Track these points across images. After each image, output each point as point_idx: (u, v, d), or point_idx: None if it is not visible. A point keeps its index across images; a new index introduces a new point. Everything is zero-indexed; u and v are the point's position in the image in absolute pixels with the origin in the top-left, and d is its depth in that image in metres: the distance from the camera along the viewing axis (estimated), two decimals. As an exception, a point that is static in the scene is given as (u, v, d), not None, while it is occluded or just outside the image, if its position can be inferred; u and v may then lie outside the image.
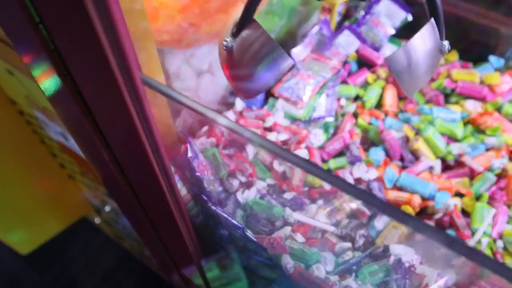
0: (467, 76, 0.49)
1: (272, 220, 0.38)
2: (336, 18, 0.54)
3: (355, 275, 0.34)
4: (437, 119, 0.46)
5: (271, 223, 0.38)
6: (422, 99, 0.49)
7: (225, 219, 0.35)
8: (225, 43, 0.26)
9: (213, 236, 0.39)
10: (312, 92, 0.45)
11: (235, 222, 0.34)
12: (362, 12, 0.54)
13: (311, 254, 0.34)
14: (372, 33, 0.52)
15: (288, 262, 0.34)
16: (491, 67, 0.50)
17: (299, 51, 0.49)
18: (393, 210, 0.25)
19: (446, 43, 0.26)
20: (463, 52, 0.52)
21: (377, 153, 0.44)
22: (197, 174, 0.36)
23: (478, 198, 0.41)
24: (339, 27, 0.54)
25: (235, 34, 0.26)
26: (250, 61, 0.25)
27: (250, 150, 0.42)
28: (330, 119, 0.45)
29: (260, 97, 0.47)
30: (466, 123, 0.47)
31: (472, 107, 0.47)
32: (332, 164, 0.44)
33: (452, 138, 0.45)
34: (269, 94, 0.48)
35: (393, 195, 0.42)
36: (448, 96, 0.49)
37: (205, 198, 0.36)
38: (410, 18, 0.51)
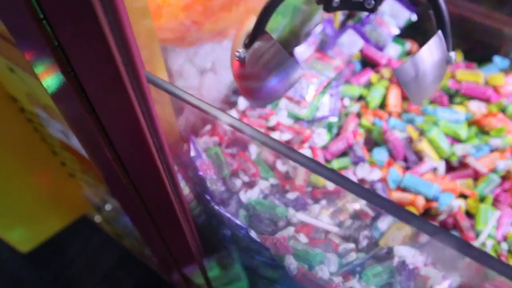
0: (471, 76, 0.48)
1: (275, 220, 0.37)
2: (339, 17, 0.54)
3: (359, 277, 0.34)
4: (441, 120, 0.45)
5: (274, 223, 0.37)
6: (426, 99, 0.49)
7: (228, 219, 0.34)
8: (237, 54, 0.27)
9: (215, 236, 0.39)
10: (315, 92, 0.45)
11: (238, 222, 0.34)
12: (366, 12, 0.53)
13: (315, 255, 0.34)
14: (376, 32, 0.51)
15: (291, 262, 0.34)
16: (496, 67, 0.50)
17: (303, 50, 0.49)
18: (402, 211, 0.24)
19: (452, 54, 0.27)
20: (468, 52, 0.51)
21: (380, 154, 0.44)
22: (200, 173, 0.36)
23: (482, 199, 0.41)
24: (343, 26, 0.54)
25: (247, 45, 0.27)
26: (262, 71, 0.26)
27: (253, 149, 0.41)
28: (334, 119, 0.45)
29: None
30: (470, 124, 0.46)
31: (476, 108, 0.47)
32: (336, 164, 0.43)
33: (456, 139, 0.45)
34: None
35: (396, 196, 0.41)
36: (452, 96, 0.49)
37: (208, 198, 0.35)
38: (414, 18, 0.51)
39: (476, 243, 0.37)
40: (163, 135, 0.22)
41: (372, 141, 0.46)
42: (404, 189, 0.42)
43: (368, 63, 0.52)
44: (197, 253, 0.39)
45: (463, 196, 0.42)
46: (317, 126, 0.45)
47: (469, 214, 0.41)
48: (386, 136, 0.44)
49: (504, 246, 0.37)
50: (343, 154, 0.45)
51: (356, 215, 0.39)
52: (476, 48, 0.51)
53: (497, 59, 0.50)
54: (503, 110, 0.46)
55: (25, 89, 0.53)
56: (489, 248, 0.37)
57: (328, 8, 0.26)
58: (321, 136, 0.43)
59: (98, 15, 0.17)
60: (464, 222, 0.39)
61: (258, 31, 0.26)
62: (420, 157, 0.44)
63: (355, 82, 0.49)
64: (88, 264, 0.83)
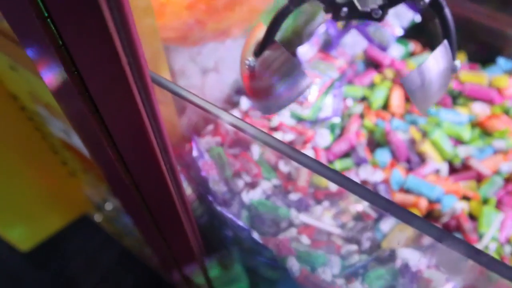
0: (475, 78, 0.48)
1: (277, 221, 0.37)
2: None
3: (362, 279, 0.33)
4: (444, 121, 0.45)
5: (276, 224, 0.37)
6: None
7: (231, 221, 0.34)
8: (247, 62, 0.28)
9: (217, 237, 0.39)
10: (318, 92, 0.45)
11: (241, 224, 0.34)
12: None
13: (317, 257, 0.34)
14: (379, 33, 0.51)
15: (294, 264, 0.33)
16: (500, 69, 0.49)
17: (306, 50, 0.49)
18: (406, 213, 0.24)
19: (457, 63, 0.27)
20: (471, 53, 0.51)
21: (383, 155, 0.44)
22: (203, 174, 0.36)
23: (485, 202, 0.41)
24: (346, 27, 0.53)
25: (257, 54, 0.28)
26: (271, 80, 0.27)
27: (256, 149, 0.41)
28: (337, 120, 0.45)
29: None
30: (473, 125, 0.46)
31: (480, 109, 0.47)
32: (338, 165, 0.43)
33: (459, 141, 0.45)
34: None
35: (399, 197, 0.41)
36: (455, 98, 0.48)
37: (210, 198, 0.35)
38: (418, 18, 0.51)
39: (480, 246, 0.37)
40: (167, 136, 0.22)
41: (375, 142, 0.46)
42: (406, 191, 0.42)
43: (371, 63, 0.51)
44: (198, 253, 0.38)
45: (466, 198, 0.41)
46: (320, 127, 0.44)
47: (472, 217, 0.40)
48: (389, 137, 0.44)
49: (508, 249, 0.37)
50: (346, 155, 0.45)
51: (359, 217, 0.39)
52: (480, 49, 0.51)
53: (501, 60, 0.50)
54: (506, 112, 0.46)
55: (26, 88, 0.53)
56: (492, 251, 0.37)
57: (336, 17, 0.27)
58: (324, 137, 0.43)
59: (104, 14, 0.16)
60: (467, 225, 0.39)
61: (268, 40, 0.27)
62: (422, 159, 0.44)
63: (358, 82, 0.49)
64: (87, 263, 0.83)
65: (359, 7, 0.26)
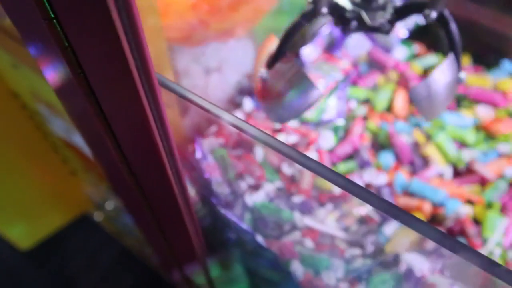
0: (479, 81, 0.48)
1: (280, 224, 0.37)
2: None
3: (366, 283, 0.33)
4: (448, 124, 0.45)
5: (279, 227, 0.37)
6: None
7: (234, 224, 0.34)
8: (260, 74, 0.29)
9: (219, 238, 0.39)
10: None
11: (244, 227, 0.34)
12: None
13: (321, 261, 0.33)
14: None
15: (297, 268, 0.33)
16: (504, 72, 0.49)
17: (310, 51, 0.48)
18: (412, 218, 0.24)
19: (463, 74, 0.29)
20: (476, 56, 0.51)
21: (386, 157, 0.44)
22: (206, 176, 0.35)
23: (489, 206, 0.41)
24: (350, 28, 0.53)
25: (269, 66, 0.29)
26: (282, 91, 0.28)
27: (259, 151, 0.41)
28: (341, 122, 0.45)
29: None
30: (478, 129, 0.46)
31: (484, 112, 0.46)
32: (342, 167, 0.43)
33: (463, 144, 0.45)
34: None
35: (403, 201, 0.41)
36: (459, 100, 0.48)
37: (213, 201, 0.35)
38: (422, 21, 0.51)
39: (484, 251, 0.37)
40: (173, 139, 0.22)
41: (378, 145, 0.46)
42: (410, 194, 0.41)
43: (375, 65, 0.51)
44: (201, 254, 0.38)
45: (470, 202, 0.41)
46: (324, 129, 0.44)
47: (476, 221, 0.40)
48: (393, 140, 0.44)
49: (512, 254, 0.37)
50: (349, 157, 0.44)
51: (363, 220, 0.38)
52: (485, 52, 0.51)
53: (505, 63, 0.50)
54: (511, 116, 0.46)
55: (28, 86, 0.52)
56: (497, 257, 0.36)
57: (346, 30, 0.28)
58: (327, 139, 0.43)
59: (112, 15, 0.16)
60: (471, 229, 0.39)
61: (280, 53, 0.28)
62: (426, 162, 0.44)
63: (362, 84, 0.49)
64: (87, 262, 0.83)
65: (369, 22, 0.27)
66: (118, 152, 0.26)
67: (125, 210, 0.61)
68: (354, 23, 0.27)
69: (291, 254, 0.33)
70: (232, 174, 0.38)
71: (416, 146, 0.44)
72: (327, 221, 0.38)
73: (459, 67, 0.28)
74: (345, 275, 0.34)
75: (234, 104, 0.47)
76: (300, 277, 0.33)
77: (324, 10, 0.27)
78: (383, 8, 0.27)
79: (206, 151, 0.37)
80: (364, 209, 0.39)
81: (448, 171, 0.43)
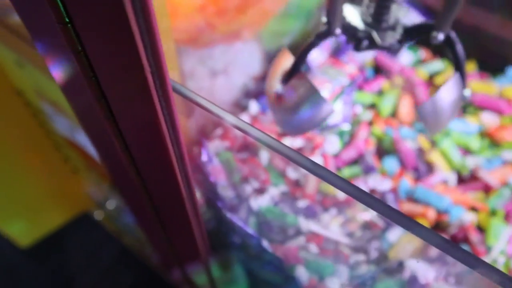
0: (484, 87, 0.48)
1: (285, 228, 0.37)
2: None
3: (370, 290, 0.33)
4: (453, 131, 0.45)
5: (284, 232, 0.37)
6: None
7: (239, 228, 0.34)
8: (275, 90, 0.31)
9: (223, 241, 0.39)
10: (328, 98, 0.45)
11: (250, 232, 0.33)
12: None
13: (326, 266, 0.33)
14: (389, 40, 0.51)
15: (302, 273, 0.33)
16: (510, 79, 0.49)
17: (316, 55, 0.48)
18: (418, 226, 0.24)
19: (468, 91, 0.30)
20: (482, 62, 0.51)
21: (391, 163, 0.44)
22: (212, 179, 0.35)
23: (493, 214, 0.41)
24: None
25: (284, 82, 0.31)
26: (296, 106, 0.30)
27: (264, 155, 0.41)
28: (346, 127, 0.45)
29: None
30: (482, 135, 0.46)
31: (489, 119, 0.46)
32: (346, 172, 0.43)
33: (467, 151, 0.45)
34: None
35: (407, 207, 0.41)
36: (464, 107, 0.48)
37: (219, 204, 0.35)
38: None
39: (488, 259, 0.37)
40: (184, 145, 0.22)
41: (383, 150, 0.46)
42: (414, 200, 0.41)
43: (380, 70, 0.51)
44: (205, 256, 0.38)
45: (474, 209, 0.41)
46: (329, 133, 0.44)
47: (480, 228, 0.40)
48: (398, 146, 0.44)
49: (516, 262, 0.37)
50: (354, 162, 0.44)
51: (367, 226, 0.38)
52: (491, 59, 0.51)
53: (511, 70, 0.50)
54: (516, 123, 0.46)
55: (32, 84, 0.52)
56: (500, 265, 0.36)
57: (357, 48, 0.29)
58: (333, 144, 0.43)
59: (130, 21, 0.16)
60: (475, 237, 0.39)
61: (295, 71, 0.30)
62: (430, 168, 0.44)
63: (367, 89, 0.49)
64: (87, 261, 0.83)
65: (379, 42, 0.28)
66: (126, 155, 0.26)
67: (128, 211, 0.60)
68: (365, 42, 0.29)
69: (296, 259, 0.33)
70: (237, 177, 0.38)
71: (420, 152, 0.44)
72: (331, 226, 0.38)
73: (464, 84, 0.30)
74: (350, 281, 0.34)
75: (239, 106, 0.47)
76: (305, 283, 0.33)
77: (338, 31, 0.28)
78: (393, 28, 0.29)
79: (212, 154, 0.37)
80: (368, 214, 0.39)
81: (452, 178, 0.43)
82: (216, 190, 0.36)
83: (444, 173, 0.43)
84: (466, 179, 0.44)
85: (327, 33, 0.29)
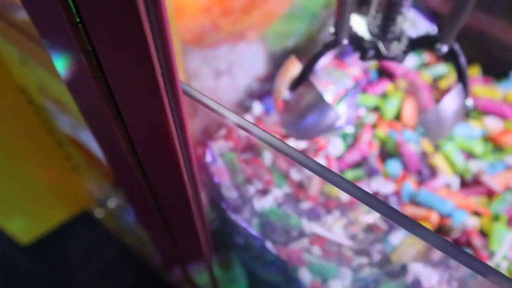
0: (488, 92, 0.48)
1: (288, 230, 0.37)
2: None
3: (373, 293, 0.33)
4: (456, 135, 0.45)
5: (287, 233, 0.37)
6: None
7: (243, 229, 0.34)
8: (283, 96, 0.32)
9: (226, 242, 0.39)
10: (332, 100, 0.45)
11: (254, 233, 0.33)
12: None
13: (329, 269, 0.33)
14: (394, 42, 0.51)
15: (305, 276, 0.33)
16: (514, 84, 0.49)
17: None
18: (423, 229, 0.24)
19: (470, 102, 0.31)
20: (486, 67, 0.51)
21: (394, 166, 0.44)
22: (216, 179, 0.35)
23: (496, 218, 0.41)
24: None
25: (292, 89, 0.32)
26: (303, 113, 0.31)
27: (268, 156, 0.41)
28: (350, 129, 0.45)
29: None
30: (486, 140, 0.46)
31: (493, 124, 0.46)
32: (349, 175, 0.43)
33: (471, 155, 0.45)
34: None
35: (410, 210, 0.41)
36: (468, 111, 0.48)
37: (223, 206, 0.35)
38: (434, 30, 0.51)
39: (490, 264, 0.37)
40: (192, 147, 0.22)
41: (386, 153, 0.46)
42: (417, 204, 0.41)
43: (384, 73, 0.51)
44: (208, 257, 0.38)
45: (477, 214, 0.41)
46: (333, 136, 0.44)
47: (483, 233, 0.40)
48: (401, 149, 0.44)
49: (518, 267, 0.37)
50: (357, 165, 0.44)
51: (369, 228, 0.38)
52: (495, 63, 0.51)
53: (515, 75, 0.50)
54: (519, 128, 0.46)
55: (35, 81, 0.52)
56: (503, 270, 0.36)
57: (363, 57, 0.31)
58: (336, 146, 0.43)
59: (143, 22, 0.16)
60: (478, 241, 0.39)
61: (303, 78, 0.31)
62: (433, 172, 0.44)
63: (371, 91, 0.49)
64: (86, 258, 0.83)
65: (385, 52, 0.29)
66: (132, 156, 0.26)
67: (131, 210, 0.60)
68: (371, 52, 0.30)
69: (299, 261, 0.33)
70: (241, 178, 0.38)
71: (424, 155, 0.44)
72: (334, 228, 0.38)
73: (466, 95, 0.31)
74: (353, 284, 0.34)
75: (243, 107, 0.47)
76: (308, 285, 0.33)
77: (345, 41, 0.29)
78: (398, 39, 0.30)
79: (216, 155, 0.37)
80: (371, 217, 0.39)
81: (455, 182, 0.43)
82: (220, 190, 0.36)
83: (447, 177, 0.43)
84: (469, 183, 0.44)
85: (334, 43, 0.30)
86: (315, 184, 0.40)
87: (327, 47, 0.30)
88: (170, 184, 0.25)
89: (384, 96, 0.49)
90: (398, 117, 0.48)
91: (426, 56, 0.53)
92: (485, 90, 0.48)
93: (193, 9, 0.40)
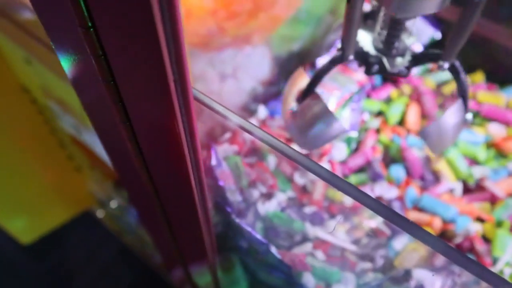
0: (492, 98, 0.48)
1: (292, 234, 0.37)
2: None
3: (377, 299, 0.33)
4: (460, 141, 0.45)
5: (291, 237, 0.37)
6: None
7: (248, 233, 0.34)
8: (291, 107, 0.33)
9: (230, 245, 0.39)
10: (336, 105, 0.45)
11: (258, 237, 0.34)
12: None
13: (332, 274, 0.33)
14: (398, 47, 0.51)
15: (309, 280, 0.33)
16: (518, 90, 0.49)
17: (325, 61, 0.48)
18: (427, 234, 0.24)
19: (469, 116, 0.32)
20: (490, 73, 0.51)
21: (397, 171, 0.44)
22: (220, 183, 0.35)
23: (499, 224, 0.41)
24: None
25: (299, 101, 0.33)
26: (310, 123, 0.32)
27: (272, 159, 0.41)
28: (354, 134, 0.45)
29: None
30: (489, 146, 0.46)
31: (496, 130, 0.46)
32: (353, 180, 0.43)
33: (474, 161, 0.45)
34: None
35: (413, 216, 0.41)
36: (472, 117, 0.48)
37: (228, 209, 0.35)
38: (438, 36, 0.51)
39: (494, 270, 0.37)
40: (200, 153, 0.22)
41: (389, 158, 0.46)
42: (420, 209, 0.42)
43: (388, 78, 0.51)
44: (211, 259, 0.38)
45: (480, 219, 0.41)
46: (337, 140, 0.44)
47: (486, 239, 0.40)
48: (405, 154, 0.44)
49: (521, 274, 0.37)
50: (361, 169, 0.44)
51: (373, 233, 0.38)
52: (499, 70, 0.51)
53: (519, 82, 0.50)
54: (523, 135, 0.46)
55: (39, 82, 0.52)
56: (506, 277, 0.36)
57: (368, 72, 0.31)
58: (340, 151, 0.43)
59: (157, 26, 0.16)
60: (481, 247, 0.39)
61: (309, 91, 0.32)
62: (437, 177, 0.44)
63: (375, 96, 0.49)
64: (87, 258, 0.83)
65: (389, 68, 0.30)
66: (139, 159, 0.26)
67: (133, 211, 0.60)
68: (375, 67, 0.30)
69: (303, 266, 0.33)
70: (245, 181, 0.38)
71: (427, 161, 0.44)
72: (337, 233, 0.38)
73: (466, 109, 0.32)
74: (356, 289, 0.34)
75: (248, 111, 0.47)
76: (311, 290, 0.33)
77: (351, 57, 0.30)
78: (402, 55, 0.30)
79: (220, 158, 0.37)
80: (374, 222, 0.39)
81: (459, 187, 0.43)
82: (224, 194, 0.36)
83: (450, 182, 0.43)
84: (472, 189, 0.44)
85: (341, 59, 0.31)
86: (319, 188, 0.40)
87: (334, 62, 0.31)
88: (176, 188, 0.25)
89: (388, 101, 0.49)
90: (402, 122, 0.48)
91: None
92: (488, 97, 0.48)
93: (199, 12, 0.40)
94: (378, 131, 0.47)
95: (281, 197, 0.39)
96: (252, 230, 0.34)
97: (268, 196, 0.39)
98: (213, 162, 0.36)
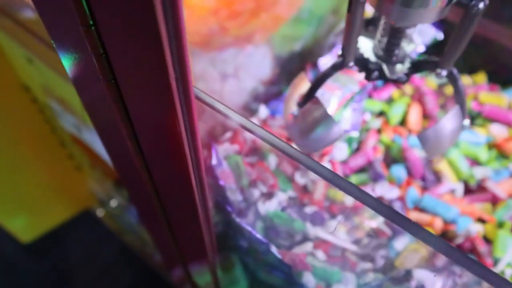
0: (494, 99, 0.48)
1: (292, 234, 0.37)
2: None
3: (377, 299, 0.33)
4: (461, 141, 0.45)
5: (291, 237, 0.37)
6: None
7: (249, 233, 0.34)
8: (293, 111, 0.34)
9: (230, 245, 0.39)
10: (338, 105, 0.45)
11: (259, 237, 0.33)
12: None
13: (333, 274, 0.33)
14: (400, 47, 0.51)
15: (309, 280, 0.33)
16: (520, 91, 0.49)
17: (327, 62, 0.48)
18: (429, 234, 0.24)
19: (467, 122, 0.33)
20: (492, 74, 0.51)
21: (398, 171, 0.44)
22: (221, 182, 0.35)
23: (500, 225, 0.41)
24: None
25: (300, 105, 0.33)
26: (310, 127, 0.33)
27: (273, 159, 0.41)
28: (355, 134, 0.45)
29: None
30: (490, 147, 0.46)
31: (498, 131, 0.46)
32: (354, 180, 0.43)
33: (475, 162, 0.45)
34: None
35: (414, 216, 0.41)
36: (474, 118, 0.48)
37: (228, 209, 0.35)
38: (440, 36, 0.51)
39: (495, 271, 0.37)
40: (201, 152, 0.22)
41: (391, 158, 0.46)
42: (421, 210, 0.41)
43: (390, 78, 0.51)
44: (211, 259, 0.38)
45: (481, 220, 0.41)
46: (338, 140, 0.44)
47: (487, 240, 0.40)
48: (406, 154, 0.44)
49: (522, 275, 0.37)
50: (362, 169, 0.44)
51: (373, 233, 0.38)
52: (501, 70, 0.51)
53: (521, 83, 0.50)
54: (524, 136, 0.46)
55: (40, 81, 0.52)
56: (507, 277, 0.36)
57: (368, 78, 0.31)
58: (341, 151, 0.43)
59: (159, 25, 0.16)
60: (482, 248, 0.39)
61: (310, 96, 0.33)
62: (438, 178, 0.44)
63: (377, 97, 0.49)
64: (87, 257, 0.83)
65: (388, 75, 0.31)
66: (139, 158, 0.26)
67: (134, 211, 0.60)
68: (375, 74, 0.31)
69: (304, 266, 0.33)
70: (246, 181, 0.38)
71: (428, 161, 0.44)
72: (338, 233, 0.37)
73: (464, 115, 0.32)
74: (357, 289, 0.34)
75: (249, 110, 0.47)
76: (312, 290, 0.33)
77: (351, 64, 0.30)
78: (401, 62, 0.31)
79: (221, 157, 0.37)
80: (375, 222, 0.39)
81: (460, 188, 0.43)
82: (225, 193, 0.36)
83: (451, 183, 0.43)
84: (474, 189, 0.44)
85: (341, 65, 0.31)
86: (320, 188, 0.40)
87: (335, 68, 0.31)
88: (177, 187, 0.25)
89: (390, 101, 0.49)
90: (403, 122, 0.48)
91: (432, 62, 0.53)
92: (490, 97, 0.48)
93: (200, 12, 0.40)
94: (379, 131, 0.47)
95: (281, 197, 0.39)
96: (252, 230, 0.34)
97: (268, 195, 0.39)
98: (214, 161, 0.36)
